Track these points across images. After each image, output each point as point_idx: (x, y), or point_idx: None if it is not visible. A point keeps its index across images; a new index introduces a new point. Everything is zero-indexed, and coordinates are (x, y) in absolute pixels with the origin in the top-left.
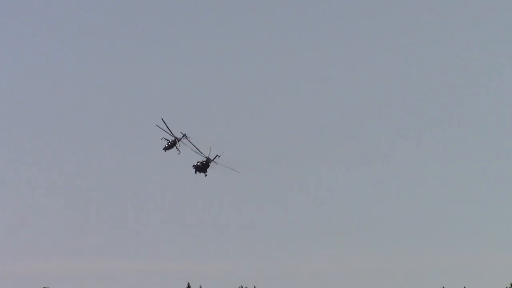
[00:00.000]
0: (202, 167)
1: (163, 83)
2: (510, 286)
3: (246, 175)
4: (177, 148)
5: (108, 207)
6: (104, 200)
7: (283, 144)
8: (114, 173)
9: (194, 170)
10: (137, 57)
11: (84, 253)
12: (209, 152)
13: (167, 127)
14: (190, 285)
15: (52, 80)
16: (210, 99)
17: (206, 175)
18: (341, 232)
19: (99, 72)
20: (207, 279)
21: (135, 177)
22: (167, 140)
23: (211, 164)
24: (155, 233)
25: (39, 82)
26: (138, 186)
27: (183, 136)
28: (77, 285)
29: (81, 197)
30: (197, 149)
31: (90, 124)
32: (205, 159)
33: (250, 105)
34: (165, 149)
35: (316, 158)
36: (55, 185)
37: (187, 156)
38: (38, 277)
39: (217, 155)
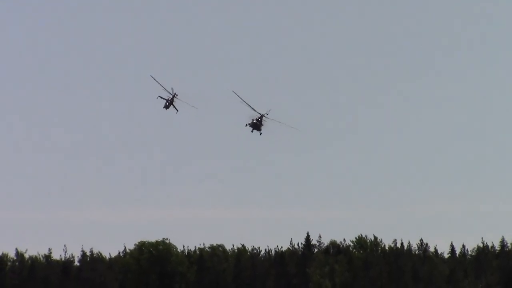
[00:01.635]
0: (258, 125)
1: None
2: None
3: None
4: (174, 106)
5: (228, 159)
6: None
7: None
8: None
9: (250, 128)
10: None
11: (205, 202)
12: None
13: (159, 84)
14: (309, 234)
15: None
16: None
17: (261, 134)
18: None
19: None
20: (326, 228)
21: None
22: (163, 98)
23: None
24: (274, 183)
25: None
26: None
27: (174, 95)
28: (195, 235)
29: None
30: (250, 105)
31: None
32: (259, 117)
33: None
34: (165, 107)
35: None
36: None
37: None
38: (158, 228)
39: (265, 113)
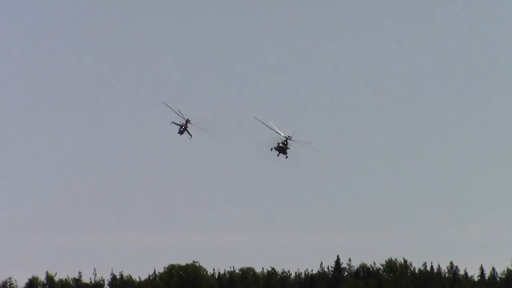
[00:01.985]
0: (284, 148)
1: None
2: None
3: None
4: (188, 132)
5: (256, 182)
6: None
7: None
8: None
9: (277, 152)
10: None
11: (235, 225)
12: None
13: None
14: (339, 257)
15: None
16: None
17: (287, 157)
18: None
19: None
20: (356, 251)
21: None
22: (178, 124)
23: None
24: (303, 206)
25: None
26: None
27: (187, 121)
28: (225, 259)
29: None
30: (273, 129)
31: None
32: (284, 140)
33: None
34: (180, 133)
35: None
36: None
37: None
38: (188, 251)
39: (289, 136)
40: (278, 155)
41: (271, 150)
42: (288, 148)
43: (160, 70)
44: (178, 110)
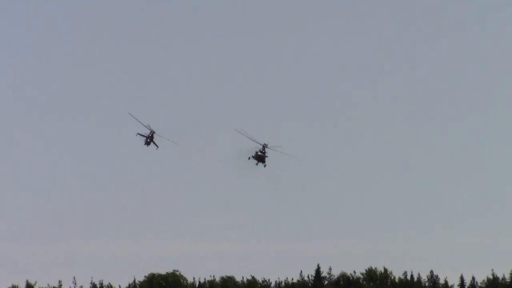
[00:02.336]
0: (262, 157)
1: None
2: None
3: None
4: (154, 143)
5: (236, 191)
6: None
7: None
8: None
9: (255, 161)
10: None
11: (215, 234)
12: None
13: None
14: (319, 266)
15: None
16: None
17: (265, 165)
18: None
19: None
20: (336, 260)
21: None
22: (143, 135)
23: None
24: (283, 215)
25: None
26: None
27: (151, 132)
28: (205, 267)
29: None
30: (252, 139)
31: None
32: (262, 148)
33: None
34: (146, 144)
35: None
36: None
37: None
38: (168, 260)
39: (265, 144)
40: (256, 164)
41: (249, 159)
42: (267, 156)
43: (128, 81)
44: (148, 125)
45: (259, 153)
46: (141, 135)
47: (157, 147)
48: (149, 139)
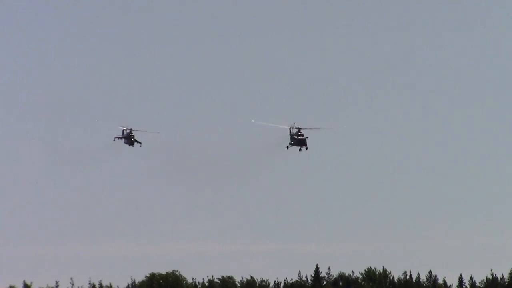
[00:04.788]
0: (302, 140)
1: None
2: None
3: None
4: (136, 141)
5: (236, 191)
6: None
7: None
8: None
9: (297, 147)
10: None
11: (215, 234)
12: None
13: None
14: (318, 266)
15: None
16: None
17: (307, 148)
18: None
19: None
20: (335, 260)
21: None
22: (121, 137)
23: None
24: (283, 215)
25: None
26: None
27: (129, 131)
28: (205, 267)
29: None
30: (276, 125)
31: None
32: (297, 131)
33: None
34: (130, 144)
35: None
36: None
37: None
38: (168, 260)
39: (293, 126)
40: (300, 149)
41: (287, 148)
42: (307, 137)
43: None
44: (130, 129)
45: (299, 137)
46: (118, 138)
47: (140, 144)
48: (132, 139)
